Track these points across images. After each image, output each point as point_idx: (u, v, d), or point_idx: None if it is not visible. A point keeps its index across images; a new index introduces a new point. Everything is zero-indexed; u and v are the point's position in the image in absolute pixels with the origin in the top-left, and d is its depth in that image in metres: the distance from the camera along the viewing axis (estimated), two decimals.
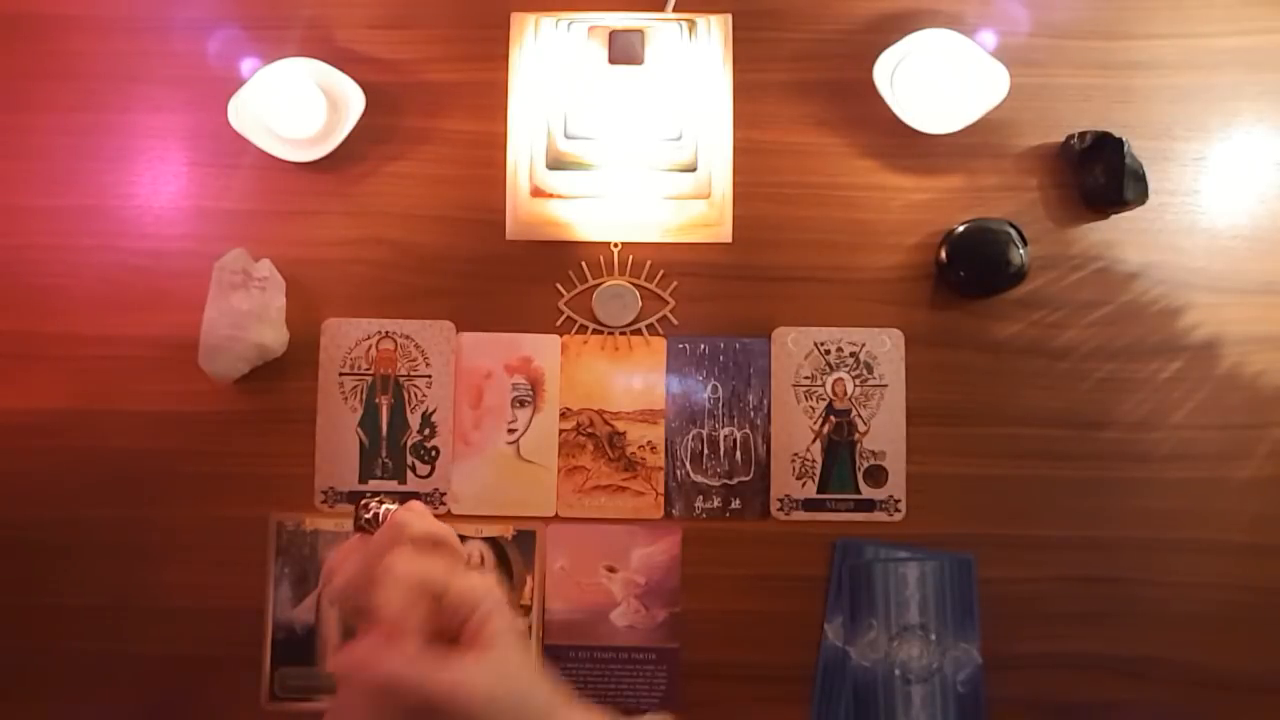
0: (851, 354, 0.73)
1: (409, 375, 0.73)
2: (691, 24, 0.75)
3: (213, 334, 0.70)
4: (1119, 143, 0.72)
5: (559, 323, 0.74)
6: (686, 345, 0.74)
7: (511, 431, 0.73)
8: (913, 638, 0.71)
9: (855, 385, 0.73)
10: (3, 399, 0.73)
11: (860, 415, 0.73)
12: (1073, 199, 0.74)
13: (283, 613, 0.71)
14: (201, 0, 0.76)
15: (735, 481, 0.73)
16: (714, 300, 0.74)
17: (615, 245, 0.74)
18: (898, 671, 0.71)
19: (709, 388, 0.73)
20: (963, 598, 0.71)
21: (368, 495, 0.53)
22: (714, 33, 0.75)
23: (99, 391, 0.73)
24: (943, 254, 0.72)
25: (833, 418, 0.73)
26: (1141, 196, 0.72)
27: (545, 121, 0.74)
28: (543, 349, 0.74)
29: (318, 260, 0.74)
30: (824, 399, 0.73)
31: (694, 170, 0.74)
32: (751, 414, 0.73)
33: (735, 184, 0.74)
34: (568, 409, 0.73)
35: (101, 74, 0.75)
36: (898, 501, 0.72)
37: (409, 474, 0.73)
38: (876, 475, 0.73)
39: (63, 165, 0.75)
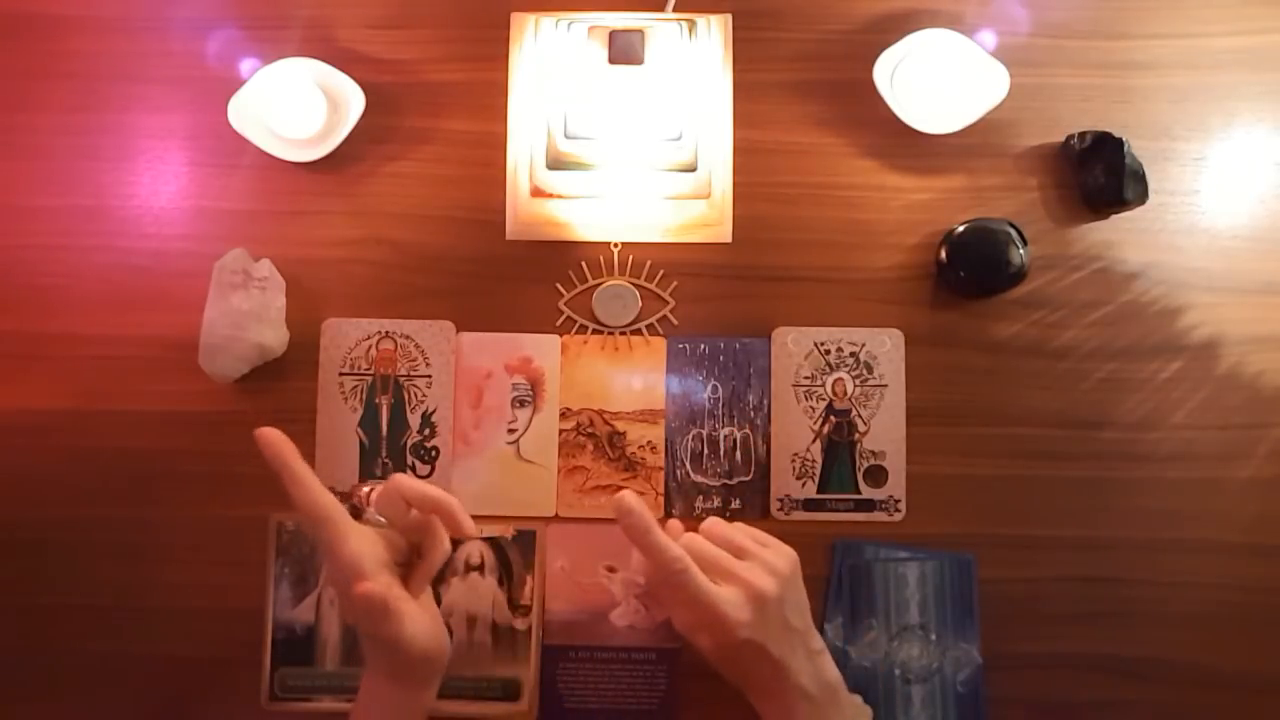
0: (851, 354, 0.73)
1: (409, 375, 0.73)
2: (691, 24, 0.75)
3: (213, 334, 0.70)
4: (1119, 143, 0.72)
5: (559, 323, 0.74)
6: (686, 345, 0.74)
7: (511, 431, 0.73)
8: (913, 638, 0.71)
9: (855, 385, 0.73)
10: (3, 399, 0.73)
11: (860, 415, 0.73)
12: (1073, 199, 0.75)
13: (283, 613, 0.71)
14: (201, 0, 0.76)
15: (735, 481, 0.73)
16: (714, 300, 0.74)
17: (615, 245, 0.74)
18: (898, 671, 0.71)
19: (709, 388, 0.74)
20: (963, 598, 0.71)
21: (355, 485, 0.58)
22: (714, 33, 0.75)
23: (99, 391, 0.73)
24: (943, 254, 0.72)
25: (833, 418, 0.73)
26: (1141, 196, 0.72)
27: (545, 121, 0.74)
28: (543, 349, 0.74)
29: (318, 260, 0.74)
30: (824, 399, 0.73)
31: (694, 170, 0.74)
32: (751, 414, 0.73)
33: (735, 184, 0.75)
34: (568, 409, 0.73)
35: (101, 74, 0.75)
36: (898, 501, 0.72)
37: (409, 474, 0.73)
38: (876, 475, 0.73)
39: (63, 165, 0.75)
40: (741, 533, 0.63)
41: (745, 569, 0.59)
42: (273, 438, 0.56)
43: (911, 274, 0.74)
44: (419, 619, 0.56)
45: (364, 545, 0.55)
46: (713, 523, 0.64)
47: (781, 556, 0.62)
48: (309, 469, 0.56)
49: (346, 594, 0.54)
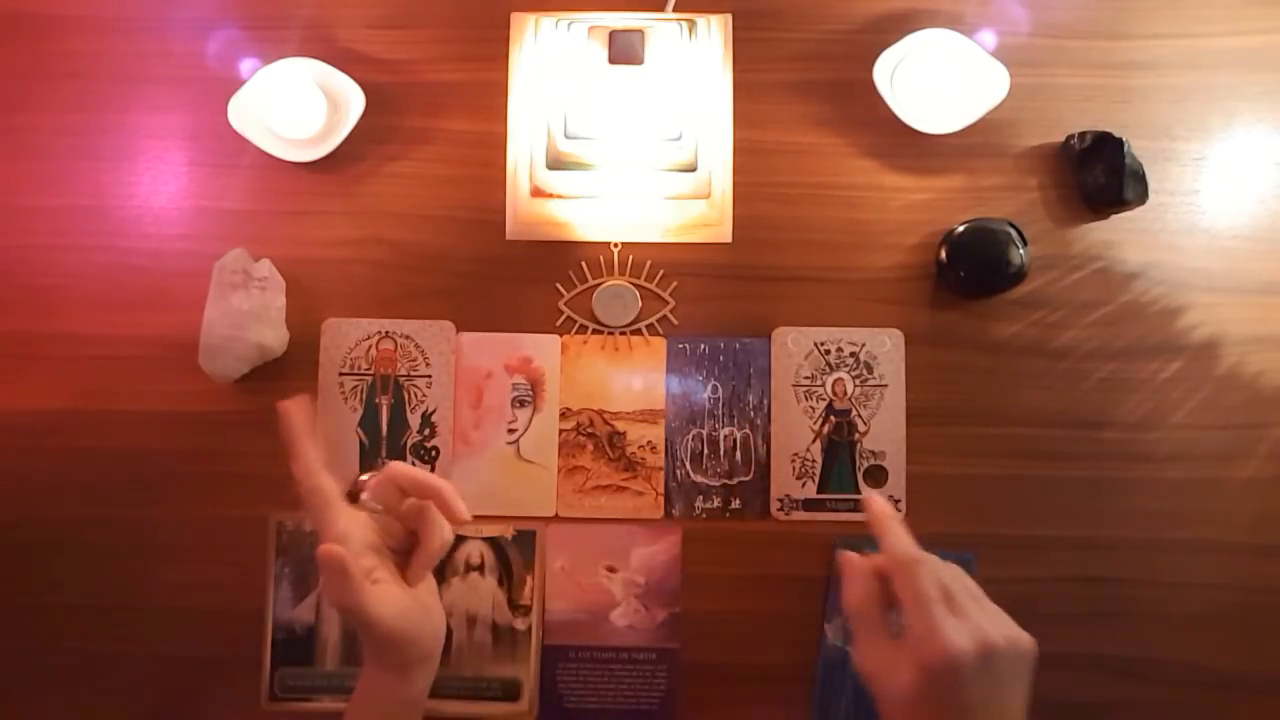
0: (851, 354, 0.73)
1: (409, 375, 0.73)
2: (691, 24, 0.75)
3: (213, 334, 0.70)
4: (1119, 143, 0.72)
5: (559, 323, 0.74)
6: (686, 345, 0.74)
7: (511, 431, 0.73)
8: None
9: (855, 385, 0.73)
10: (3, 399, 0.73)
11: (860, 415, 0.73)
12: (1073, 199, 0.75)
13: (283, 613, 0.71)
14: (201, 0, 0.76)
15: (735, 481, 0.73)
16: (714, 300, 0.74)
17: (615, 245, 0.74)
18: None
19: (709, 388, 0.74)
20: None
21: (359, 474, 0.59)
22: (714, 33, 0.75)
23: (99, 391, 0.73)
24: (943, 254, 0.72)
25: (833, 418, 0.73)
26: (1141, 196, 0.73)
27: (545, 121, 0.74)
28: (543, 349, 0.74)
29: (318, 260, 0.74)
30: (824, 399, 0.73)
31: (694, 170, 0.74)
32: (751, 414, 0.73)
33: (735, 184, 0.75)
34: (568, 409, 0.73)
35: (101, 74, 0.75)
36: (898, 501, 0.72)
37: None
38: (876, 475, 0.73)
39: (63, 165, 0.75)
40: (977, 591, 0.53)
41: (980, 614, 0.50)
42: (290, 410, 0.56)
43: (911, 274, 0.74)
44: (389, 596, 0.54)
45: (352, 527, 0.55)
46: (940, 567, 0.52)
47: (1020, 632, 0.51)
48: (314, 450, 0.56)
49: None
